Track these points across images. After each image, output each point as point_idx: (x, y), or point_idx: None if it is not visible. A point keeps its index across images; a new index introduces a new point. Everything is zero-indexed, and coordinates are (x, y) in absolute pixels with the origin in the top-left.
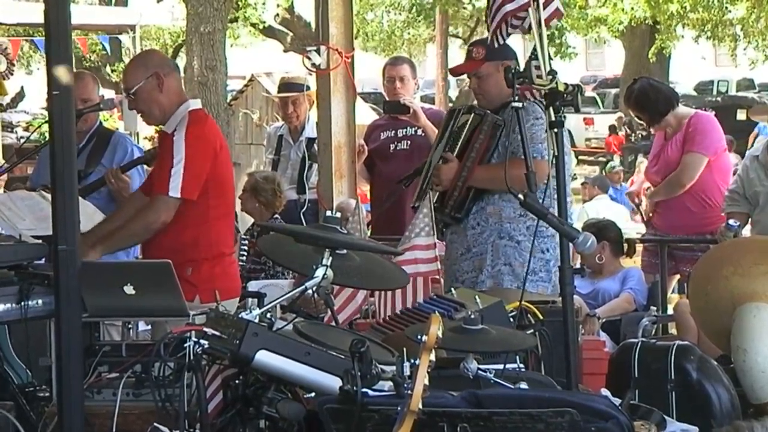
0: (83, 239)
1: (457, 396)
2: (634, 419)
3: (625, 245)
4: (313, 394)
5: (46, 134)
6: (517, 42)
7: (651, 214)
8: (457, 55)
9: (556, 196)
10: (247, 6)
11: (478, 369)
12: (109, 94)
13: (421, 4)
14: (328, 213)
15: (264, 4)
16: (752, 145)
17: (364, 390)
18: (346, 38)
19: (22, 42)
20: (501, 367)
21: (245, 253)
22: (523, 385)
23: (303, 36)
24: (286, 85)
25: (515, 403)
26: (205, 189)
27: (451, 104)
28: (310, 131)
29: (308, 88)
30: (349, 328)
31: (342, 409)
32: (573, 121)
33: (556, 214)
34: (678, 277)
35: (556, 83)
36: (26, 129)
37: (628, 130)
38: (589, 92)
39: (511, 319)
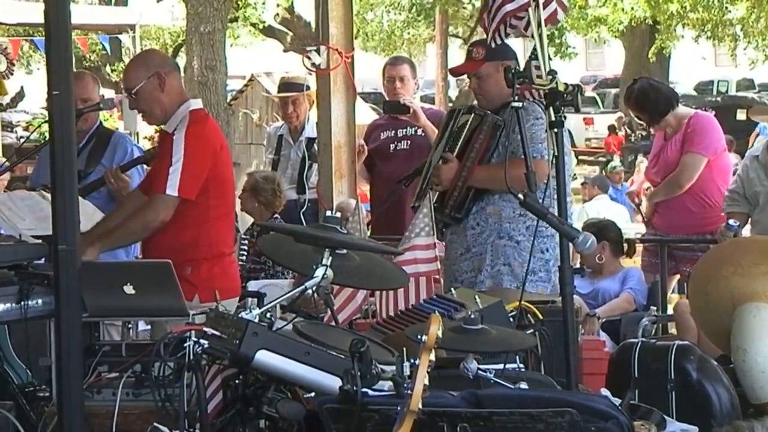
0: (82, 238)
1: (457, 396)
2: (634, 419)
3: (625, 245)
4: (313, 394)
5: (46, 134)
6: (517, 42)
7: (651, 215)
8: (457, 55)
9: (556, 196)
10: (247, 6)
11: (478, 369)
12: (109, 93)
13: (421, 4)
14: (328, 213)
15: (264, 4)
16: (753, 146)
17: (364, 390)
18: (346, 38)
19: (22, 42)
20: (501, 367)
21: (245, 253)
22: (523, 385)
23: (303, 36)
24: (286, 85)
25: (515, 403)
26: (205, 189)
27: (451, 104)
28: (310, 131)
29: (308, 88)
30: (349, 328)
31: (342, 409)
32: (573, 121)
33: (556, 214)
34: (678, 277)
35: (556, 83)
36: (26, 129)
37: (628, 130)
38: (589, 92)
39: (511, 319)
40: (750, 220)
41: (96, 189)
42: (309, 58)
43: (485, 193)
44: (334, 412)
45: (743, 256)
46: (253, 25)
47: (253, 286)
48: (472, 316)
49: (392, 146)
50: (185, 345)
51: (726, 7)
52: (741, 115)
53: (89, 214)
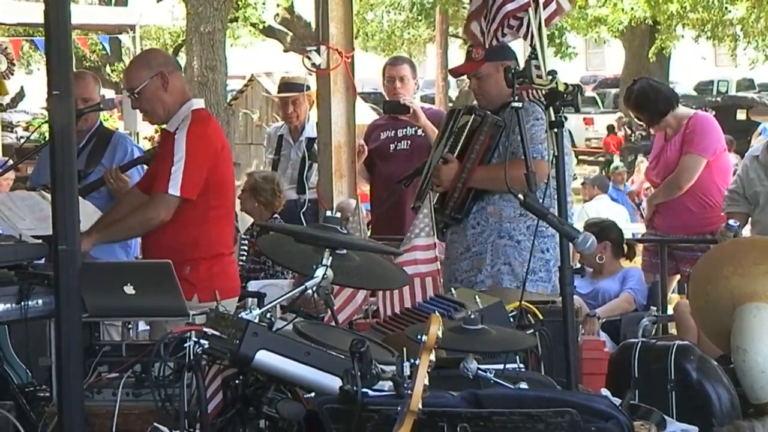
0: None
1: (457, 396)
2: (634, 419)
3: (625, 247)
4: (313, 394)
5: (46, 134)
6: (517, 42)
7: (651, 217)
8: (457, 55)
9: (556, 196)
10: (247, 6)
11: (478, 369)
12: (109, 94)
13: (421, 4)
14: (328, 213)
15: (264, 4)
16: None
17: (364, 390)
18: (346, 38)
19: (22, 42)
20: (501, 367)
21: (245, 253)
22: (523, 385)
23: (303, 36)
24: (286, 85)
25: (515, 403)
26: (206, 189)
27: (451, 104)
28: (310, 131)
29: (308, 88)
30: (349, 328)
31: (342, 409)
32: (573, 121)
33: (556, 214)
34: (678, 277)
35: (556, 83)
36: (26, 129)
37: (627, 130)
38: (589, 92)
39: (511, 319)
40: (750, 220)
41: (96, 189)
42: (309, 58)
43: (486, 192)
44: (334, 412)
45: (743, 256)
46: (253, 25)
47: (253, 286)
48: (472, 316)
49: (392, 146)
50: (185, 345)
51: (726, 7)
52: (741, 115)
53: (89, 214)
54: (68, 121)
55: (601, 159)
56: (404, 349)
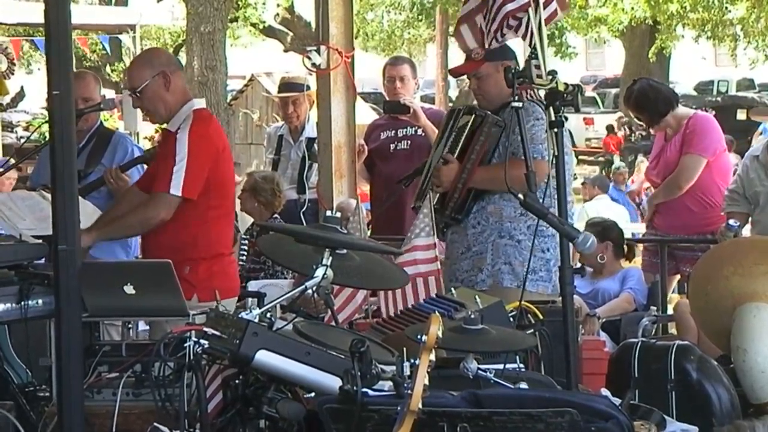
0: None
1: (457, 396)
2: (634, 419)
3: (626, 248)
4: (313, 394)
5: (46, 134)
6: (517, 42)
7: (652, 217)
8: (457, 55)
9: (556, 196)
10: (247, 6)
11: (478, 369)
12: (109, 94)
13: (422, 3)
14: (328, 213)
15: (264, 4)
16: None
17: (364, 390)
18: (346, 38)
19: (22, 42)
20: (501, 367)
21: (245, 253)
22: (523, 385)
23: (303, 36)
24: (286, 85)
25: (515, 403)
26: (206, 189)
27: (451, 104)
28: (310, 131)
29: (308, 88)
30: (349, 328)
31: (342, 409)
32: (573, 121)
33: (556, 213)
34: (678, 277)
35: (556, 83)
36: (26, 129)
37: (627, 130)
38: (589, 92)
39: (511, 319)
40: (750, 220)
41: (96, 189)
42: (309, 58)
43: (486, 192)
44: (334, 412)
45: (743, 256)
46: (253, 25)
47: (253, 286)
48: (472, 316)
49: (392, 146)
50: (185, 345)
51: (726, 7)
52: (741, 115)
53: (89, 214)
54: (68, 121)
55: (601, 159)
56: (404, 349)
